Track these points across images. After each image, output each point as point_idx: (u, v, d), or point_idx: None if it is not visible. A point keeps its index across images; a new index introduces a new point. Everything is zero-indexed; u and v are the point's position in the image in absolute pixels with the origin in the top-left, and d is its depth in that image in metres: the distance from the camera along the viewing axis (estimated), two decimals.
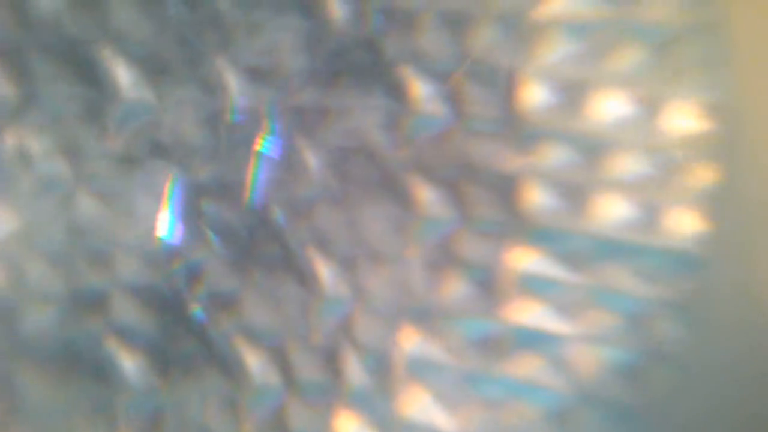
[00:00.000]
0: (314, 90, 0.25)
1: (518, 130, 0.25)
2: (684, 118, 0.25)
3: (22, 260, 0.25)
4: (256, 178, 0.25)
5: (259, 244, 0.25)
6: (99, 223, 0.25)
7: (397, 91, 0.25)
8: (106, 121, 0.25)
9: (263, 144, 0.25)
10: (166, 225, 0.25)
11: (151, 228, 0.25)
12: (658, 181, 0.25)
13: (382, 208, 0.25)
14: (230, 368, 0.25)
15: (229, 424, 0.24)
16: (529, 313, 0.25)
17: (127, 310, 0.25)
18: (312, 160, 0.25)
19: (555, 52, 0.25)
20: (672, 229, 0.25)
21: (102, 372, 0.24)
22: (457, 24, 0.26)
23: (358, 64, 0.26)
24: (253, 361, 0.25)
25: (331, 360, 0.25)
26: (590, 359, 0.24)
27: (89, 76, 0.25)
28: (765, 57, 0.26)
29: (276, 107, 0.25)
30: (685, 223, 0.25)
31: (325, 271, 0.25)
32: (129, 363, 0.24)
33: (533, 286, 0.25)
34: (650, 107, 0.25)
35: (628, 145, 0.25)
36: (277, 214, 0.25)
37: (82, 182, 0.25)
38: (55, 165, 0.25)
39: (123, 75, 0.25)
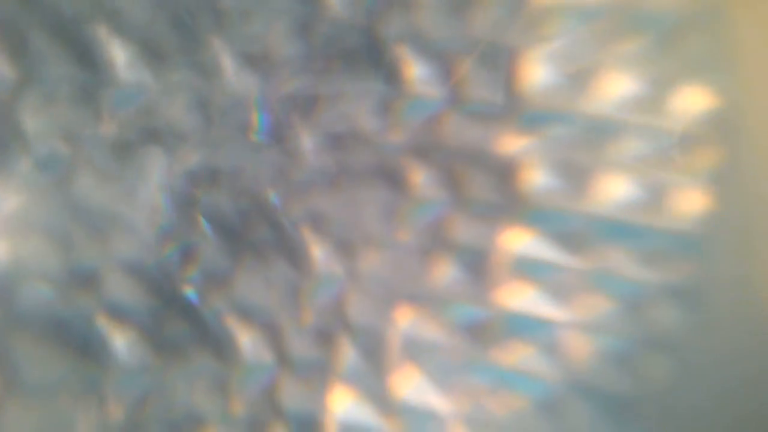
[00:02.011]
0: (308, 75, 0.25)
1: (518, 111, 0.25)
2: (688, 101, 0.25)
3: (19, 238, 0.24)
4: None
5: (252, 226, 0.25)
6: (95, 204, 0.24)
7: (392, 75, 0.25)
8: (101, 103, 0.25)
9: (253, 129, 0.25)
10: (159, 209, 0.24)
11: (145, 211, 0.24)
12: (661, 162, 0.24)
13: (376, 191, 0.25)
14: (221, 348, 0.24)
15: (219, 404, 0.24)
16: (521, 298, 0.24)
17: (119, 289, 0.24)
18: (306, 144, 0.25)
19: (559, 34, 0.25)
20: (674, 210, 0.24)
21: (93, 350, 0.24)
22: (457, 3, 0.25)
23: (353, 48, 0.25)
24: (245, 340, 0.24)
25: (324, 339, 0.24)
26: (584, 347, 0.24)
27: (86, 57, 0.25)
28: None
29: (266, 92, 0.25)
30: (687, 205, 0.24)
31: (318, 251, 0.24)
32: (120, 342, 0.24)
33: (527, 270, 0.24)
34: (655, 89, 0.25)
35: (631, 127, 0.25)
36: (271, 196, 0.25)
37: (79, 163, 0.24)
38: (51, 145, 0.25)
39: (119, 57, 0.25)
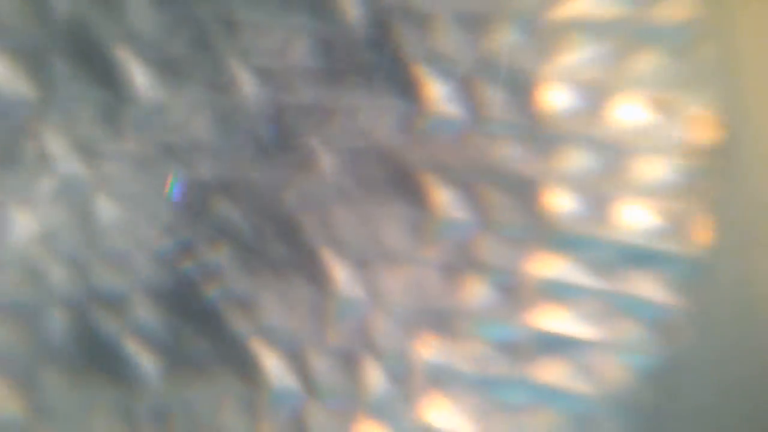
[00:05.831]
0: (323, 87, 0.24)
1: (539, 133, 0.25)
2: (697, 124, 0.25)
3: (41, 262, 0.24)
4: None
5: (270, 245, 0.24)
6: (115, 224, 0.24)
7: (412, 92, 0.25)
8: (122, 122, 0.24)
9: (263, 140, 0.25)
10: (176, 225, 0.24)
11: (162, 228, 0.24)
12: (678, 188, 0.24)
13: (398, 208, 0.24)
14: (247, 369, 0.24)
15: (246, 427, 0.23)
16: (553, 319, 0.24)
17: (142, 311, 0.24)
18: (323, 159, 0.24)
19: (575, 53, 0.25)
20: (692, 237, 0.24)
21: (120, 373, 0.24)
22: (474, 24, 0.25)
23: (370, 63, 0.25)
24: (271, 364, 0.24)
25: (350, 364, 0.24)
26: (615, 365, 0.24)
27: (106, 77, 0.25)
28: None
29: (276, 102, 0.24)
30: (703, 232, 0.24)
31: (339, 272, 0.24)
32: (147, 364, 0.24)
33: (557, 292, 0.24)
34: (668, 112, 0.25)
35: (648, 151, 0.25)
36: (287, 212, 0.24)
37: (99, 184, 0.24)
38: (73, 166, 0.24)
39: (139, 76, 0.25)
